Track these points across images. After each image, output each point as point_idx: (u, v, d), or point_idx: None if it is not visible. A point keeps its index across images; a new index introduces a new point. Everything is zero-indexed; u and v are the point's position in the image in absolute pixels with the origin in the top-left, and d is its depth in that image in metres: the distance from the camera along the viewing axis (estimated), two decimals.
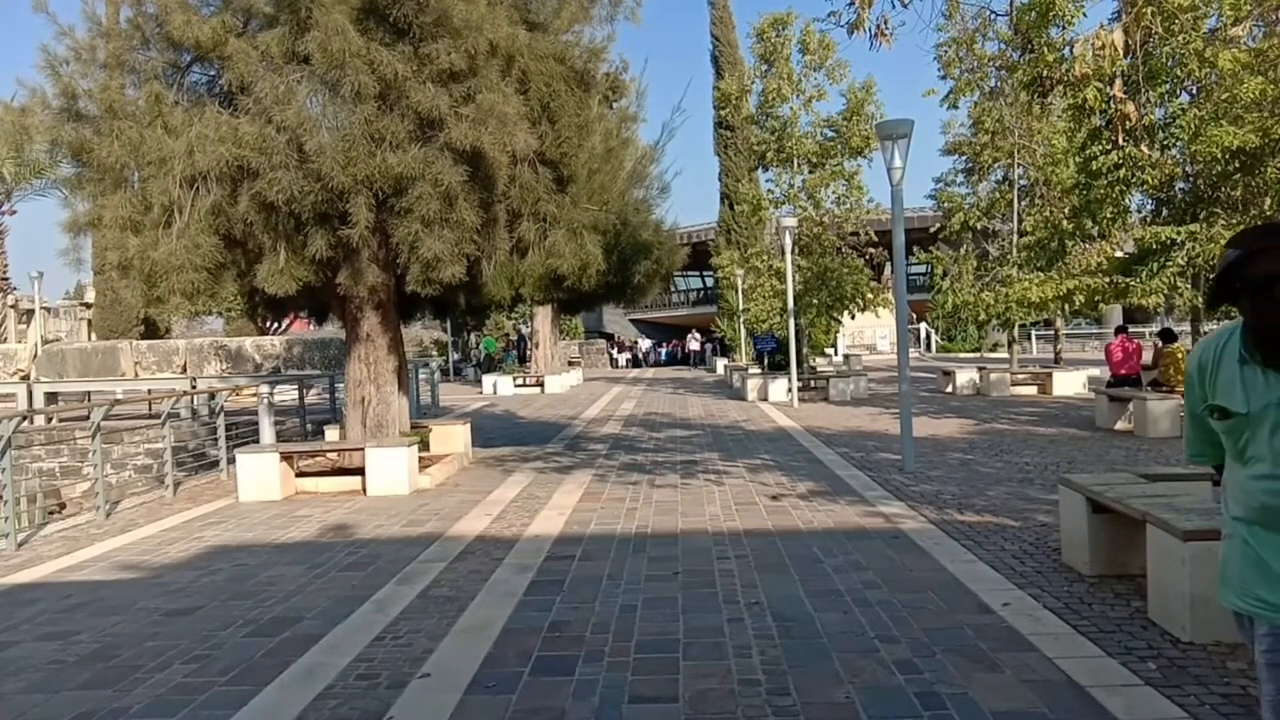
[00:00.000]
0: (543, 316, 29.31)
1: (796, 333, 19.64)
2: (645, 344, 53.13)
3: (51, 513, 12.82)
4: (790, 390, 19.55)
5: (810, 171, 21.01)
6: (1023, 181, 20.48)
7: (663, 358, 50.48)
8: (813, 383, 20.65)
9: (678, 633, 4.63)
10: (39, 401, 18.88)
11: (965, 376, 20.64)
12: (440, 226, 8.29)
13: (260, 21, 8.74)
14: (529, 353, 31.44)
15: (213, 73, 9.24)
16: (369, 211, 8.20)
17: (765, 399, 20.35)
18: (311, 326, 21.79)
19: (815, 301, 20.49)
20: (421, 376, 19.83)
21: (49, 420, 16.91)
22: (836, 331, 29.80)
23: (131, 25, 8.99)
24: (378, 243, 8.92)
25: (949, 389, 20.86)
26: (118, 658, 4.61)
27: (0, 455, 7.53)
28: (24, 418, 8.38)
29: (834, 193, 20.91)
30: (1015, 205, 20.23)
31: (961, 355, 39.14)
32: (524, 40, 8.74)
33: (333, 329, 15.79)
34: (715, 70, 40.51)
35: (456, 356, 40.39)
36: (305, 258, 8.68)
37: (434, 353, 38.40)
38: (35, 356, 21.71)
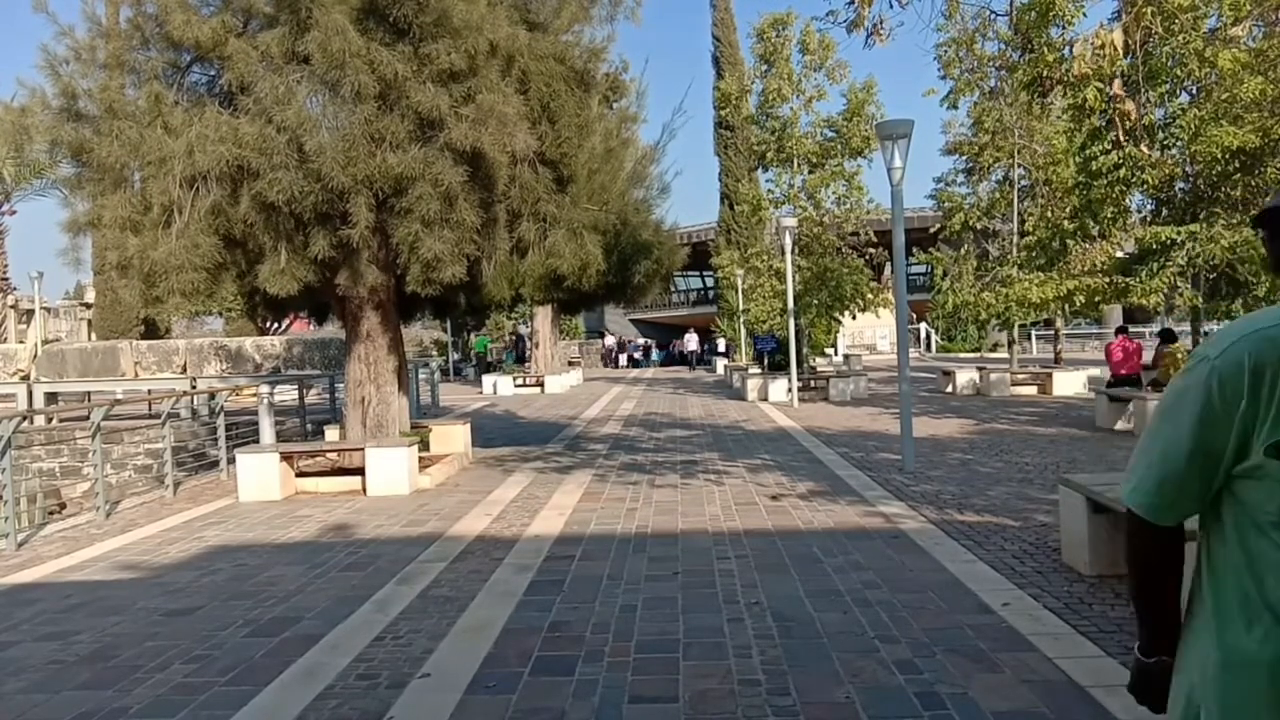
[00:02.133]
0: (543, 316, 29.30)
1: (796, 333, 19.64)
2: (610, 340, 49.89)
3: (51, 513, 12.82)
4: (790, 390, 19.55)
5: (810, 172, 20.98)
6: (1023, 181, 20.47)
7: (653, 358, 48.92)
8: (813, 383, 20.65)
9: (678, 633, 4.62)
10: (39, 401, 18.87)
11: (965, 376, 20.63)
12: (440, 227, 8.29)
13: (260, 21, 8.74)
14: (529, 353, 31.41)
15: (213, 73, 9.24)
16: (369, 212, 8.20)
17: (765, 399, 20.35)
18: (311, 326, 21.79)
19: (815, 302, 20.47)
20: (421, 376, 19.82)
21: (49, 420, 16.91)
22: (836, 332, 29.78)
23: (131, 25, 8.99)
24: (378, 243, 8.92)
25: (949, 389, 20.86)
26: (118, 658, 4.61)
27: (0, 455, 7.53)
28: (24, 418, 8.40)
29: (834, 193, 20.89)
30: (1015, 205, 20.22)
31: (961, 355, 39.14)
32: (524, 40, 8.73)
33: (333, 329, 15.80)
34: (716, 70, 40.47)
35: (456, 356, 40.39)
36: (306, 258, 8.68)
37: (434, 353, 38.41)
38: (35, 356, 21.71)
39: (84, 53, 8.94)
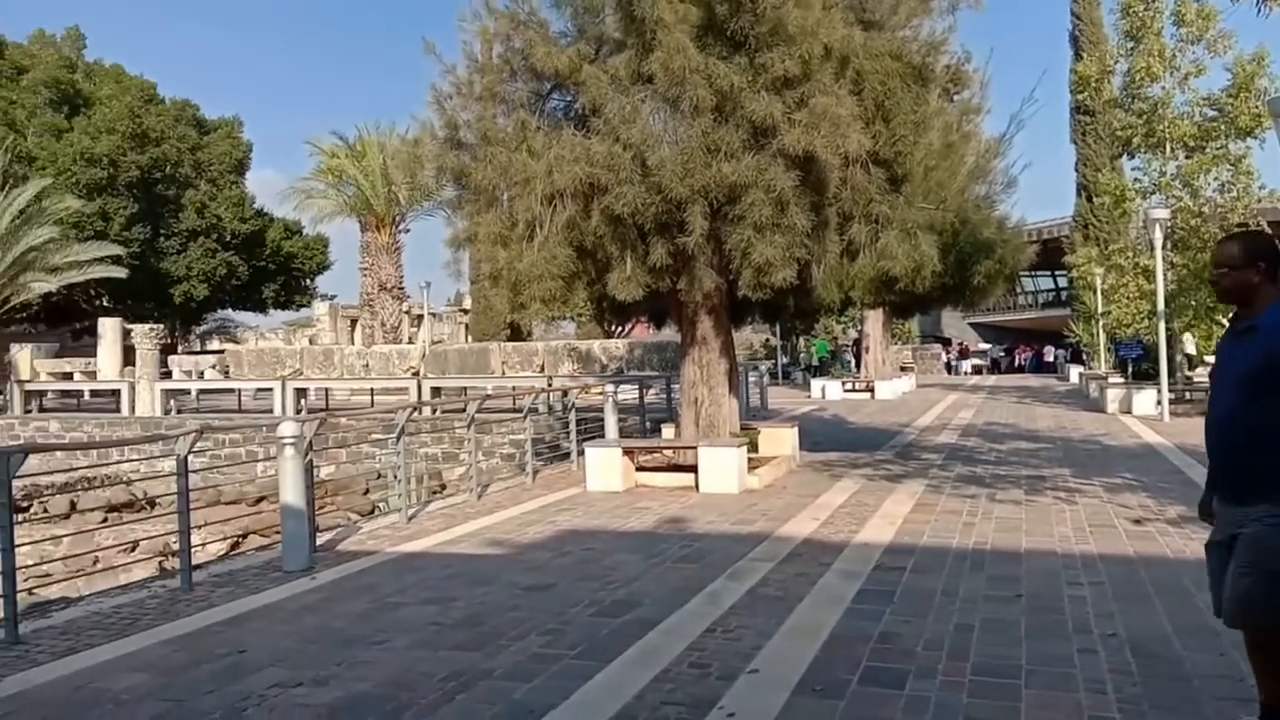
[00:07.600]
0: (873, 320, 28.62)
1: (1168, 338, 17.50)
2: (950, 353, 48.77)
3: (434, 492, 14.71)
4: (1160, 403, 17.41)
5: (1186, 156, 18.65)
6: None
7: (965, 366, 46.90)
8: (1188, 395, 18.27)
9: (1019, 658, 4.32)
10: (425, 395, 21.68)
11: None
12: (771, 231, 8.41)
13: (610, 47, 9.43)
14: (861, 356, 30.86)
15: (569, 98, 10.09)
16: (704, 220, 8.52)
17: (1128, 411, 18.32)
18: (650, 331, 23.00)
19: (1193, 303, 18.10)
20: (750, 379, 20.17)
21: (433, 411, 19.38)
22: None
23: (502, 60, 10.06)
24: (711, 249, 9.24)
25: None
26: (485, 625, 5.19)
27: (396, 440, 8.78)
28: (414, 409, 9.74)
29: (1216, 179, 18.41)
30: None
31: None
32: (859, 40, 8.61)
33: (669, 333, 16.52)
34: (1074, 52, 36.96)
35: (785, 360, 40.65)
36: (647, 266, 9.21)
37: (762, 356, 38.96)
38: (424, 356, 24.94)
39: (464, 87, 10.14)
